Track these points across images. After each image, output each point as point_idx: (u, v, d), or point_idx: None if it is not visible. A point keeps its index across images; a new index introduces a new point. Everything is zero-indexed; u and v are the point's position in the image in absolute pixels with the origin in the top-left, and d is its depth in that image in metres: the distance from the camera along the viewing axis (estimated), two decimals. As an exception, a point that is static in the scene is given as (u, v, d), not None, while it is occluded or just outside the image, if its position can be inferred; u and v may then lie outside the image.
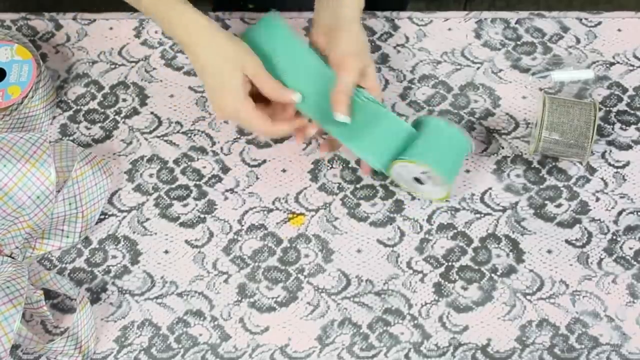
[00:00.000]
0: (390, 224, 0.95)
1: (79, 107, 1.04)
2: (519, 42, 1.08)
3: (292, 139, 1.01)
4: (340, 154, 1.00)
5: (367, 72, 0.92)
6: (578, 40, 1.07)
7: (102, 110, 1.04)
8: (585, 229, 0.95)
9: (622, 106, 1.03)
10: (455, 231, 0.95)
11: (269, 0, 1.15)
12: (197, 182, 0.99)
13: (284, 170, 0.99)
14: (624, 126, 1.01)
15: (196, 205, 0.97)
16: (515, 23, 1.09)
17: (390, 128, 0.92)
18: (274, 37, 0.95)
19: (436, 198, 0.95)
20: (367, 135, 0.91)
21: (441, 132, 0.91)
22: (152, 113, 1.03)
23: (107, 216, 0.97)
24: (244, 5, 1.20)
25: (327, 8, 0.95)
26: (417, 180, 0.92)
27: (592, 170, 0.98)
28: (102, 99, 1.04)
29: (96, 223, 0.96)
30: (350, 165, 0.99)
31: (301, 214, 0.96)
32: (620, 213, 0.96)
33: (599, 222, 0.95)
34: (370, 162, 0.93)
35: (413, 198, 0.97)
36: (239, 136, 1.01)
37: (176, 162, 1.00)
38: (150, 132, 1.02)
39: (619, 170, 0.98)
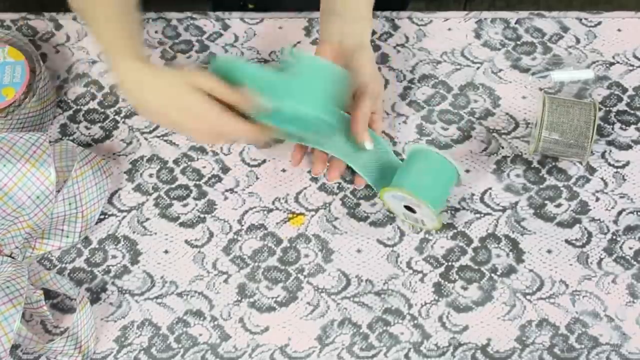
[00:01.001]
0: (390, 224, 0.95)
1: (79, 107, 1.04)
2: (518, 42, 1.08)
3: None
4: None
5: (377, 99, 0.95)
6: (578, 40, 1.07)
7: (102, 110, 1.04)
8: (585, 228, 0.95)
9: (622, 106, 1.03)
10: (455, 231, 0.95)
11: (269, 0, 1.15)
12: (197, 182, 0.99)
13: (284, 170, 0.99)
14: (623, 126, 1.01)
15: (196, 205, 0.97)
16: (515, 23, 1.09)
17: (384, 158, 0.94)
18: (234, 70, 0.88)
19: (430, 227, 0.94)
20: (364, 156, 0.92)
21: (427, 160, 0.91)
22: (152, 113, 1.03)
23: (107, 216, 0.97)
24: (244, 5, 1.20)
25: (337, 26, 0.95)
26: (409, 208, 0.92)
27: (592, 170, 0.98)
28: (102, 98, 1.05)
29: (96, 223, 0.96)
30: (350, 165, 0.99)
31: (301, 214, 0.96)
32: (620, 213, 0.96)
33: (598, 222, 0.95)
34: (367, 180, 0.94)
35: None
36: (238, 136, 1.01)
37: (176, 162, 1.00)
38: (150, 132, 1.02)
39: (618, 170, 0.98)
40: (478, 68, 1.06)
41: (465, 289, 0.91)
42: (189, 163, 1.00)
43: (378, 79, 0.96)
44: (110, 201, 0.97)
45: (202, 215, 0.96)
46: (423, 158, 0.91)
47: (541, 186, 0.97)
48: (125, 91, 0.90)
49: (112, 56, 0.89)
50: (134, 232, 0.96)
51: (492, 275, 0.92)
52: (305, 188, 0.98)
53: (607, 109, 1.03)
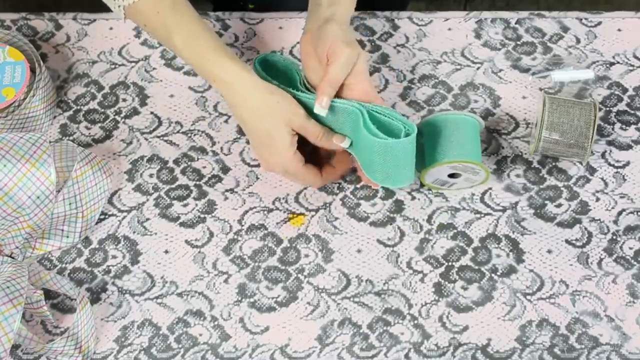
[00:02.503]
0: (390, 224, 0.95)
1: (79, 107, 1.04)
2: (519, 42, 1.08)
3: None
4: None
5: (357, 65, 0.89)
6: (578, 40, 1.07)
7: (102, 110, 1.04)
8: (585, 229, 0.95)
9: (622, 106, 1.03)
10: (455, 231, 0.95)
11: (268, 0, 1.15)
12: (197, 182, 0.99)
13: (284, 170, 0.99)
14: (624, 126, 1.01)
15: (196, 205, 0.97)
16: (515, 23, 1.09)
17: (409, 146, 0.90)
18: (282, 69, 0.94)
19: (478, 183, 0.96)
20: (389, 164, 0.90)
21: (449, 124, 0.93)
22: (152, 113, 1.03)
23: (107, 216, 0.97)
24: (244, 5, 1.20)
25: (313, 14, 0.93)
26: (452, 175, 0.94)
27: (592, 170, 0.98)
28: (102, 99, 1.04)
29: (96, 223, 0.96)
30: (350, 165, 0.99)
31: (301, 214, 0.96)
32: (620, 213, 0.96)
33: (599, 222, 0.95)
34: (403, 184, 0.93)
35: (413, 198, 0.97)
36: (238, 136, 1.01)
37: (176, 162, 1.00)
38: (150, 132, 1.02)
39: (619, 170, 0.98)
40: (478, 68, 1.06)
41: (465, 289, 0.91)
42: (189, 163, 1.00)
43: (349, 46, 0.88)
44: (110, 201, 0.97)
45: (202, 215, 0.96)
46: (442, 125, 0.93)
47: (541, 186, 0.97)
48: (232, 97, 0.90)
49: (217, 60, 0.89)
50: (134, 232, 0.96)
51: (492, 275, 0.92)
52: (305, 188, 0.98)
53: (607, 109, 1.03)
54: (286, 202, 0.97)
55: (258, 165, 0.99)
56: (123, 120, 1.03)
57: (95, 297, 0.92)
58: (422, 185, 0.97)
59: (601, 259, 0.93)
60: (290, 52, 1.07)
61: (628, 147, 1.00)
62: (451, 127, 0.93)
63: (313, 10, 0.93)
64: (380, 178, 0.90)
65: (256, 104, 0.88)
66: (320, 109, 0.88)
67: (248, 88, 0.88)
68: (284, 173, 0.92)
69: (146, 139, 1.02)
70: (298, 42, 1.08)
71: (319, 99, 0.88)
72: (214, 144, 1.01)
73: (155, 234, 0.95)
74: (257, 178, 0.99)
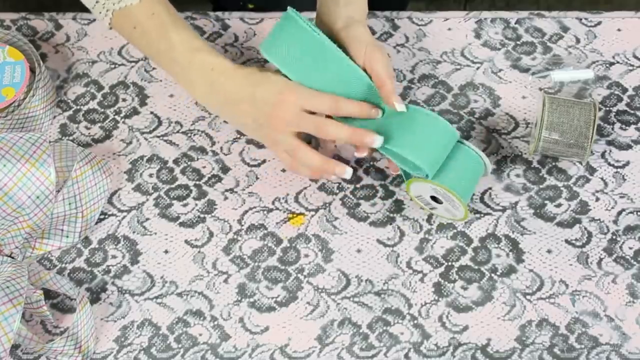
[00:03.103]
0: (390, 224, 0.95)
1: (78, 107, 1.04)
2: (518, 42, 1.08)
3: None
4: (339, 152, 1.00)
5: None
6: (578, 40, 1.07)
7: (102, 110, 1.04)
8: (585, 228, 0.95)
9: (621, 106, 1.03)
10: (455, 231, 0.95)
11: (268, 0, 1.15)
12: (197, 182, 0.99)
13: (283, 170, 0.99)
14: (623, 126, 1.01)
15: (196, 205, 0.97)
16: (515, 23, 1.09)
17: (430, 126, 0.90)
18: (296, 37, 0.91)
19: (456, 218, 0.94)
20: (408, 134, 0.89)
21: (459, 154, 0.90)
22: (152, 113, 1.03)
23: (107, 216, 0.97)
24: (243, 5, 1.20)
25: (330, 10, 0.95)
26: (435, 199, 0.92)
27: (592, 170, 0.98)
28: (102, 98, 1.05)
29: (96, 223, 0.96)
30: (349, 165, 0.99)
31: (301, 213, 0.96)
32: (620, 213, 0.96)
33: (598, 222, 0.95)
34: (411, 158, 0.89)
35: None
36: (238, 136, 1.01)
37: (176, 162, 1.00)
38: (150, 132, 1.02)
39: (618, 170, 0.98)
40: (478, 68, 1.06)
41: (465, 289, 0.92)
42: (188, 163, 1.00)
43: (380, 44, 0.92)
44: (110, 201, 0.97)
45: (202, 215, 0.96)
46: (455, 151, 0.90)
47: (541, 186, 0.97)
48: (210, 86, 0.90)
49: (192, 54, 0.90)
50: (134, 232, 0.96)
51: (492, 275, 0.92)
52: (305, 188, 0.98)
53: (607, 109, 1.03)
54: (286, 202, 0.97)
55: (258, 165, 0.99)
56: (123, 120, 1.03)
57: (95, 297, 0.92)
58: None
59: (601, 259, 0.93)
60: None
61: (628, 147, 1.00)
62: (460, 156, 0.90)
63: (331, 10, 0.95)
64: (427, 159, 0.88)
65: (256, 78, 0.89)
66: (401, 107, 0.89)
67: (247, 70, 0.90)
68: (291, 147, 0.89)
69: (146, 139, 1.02)
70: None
71: (393, 98, 0.89)
72: (213, 144, 1.01)
73: (155, 233, 0.95)
74: (257, 178, 0.99)
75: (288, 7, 0.92)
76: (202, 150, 1.01)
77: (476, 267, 0.93)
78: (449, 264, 0.93)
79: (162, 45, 0.91)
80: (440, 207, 0.93)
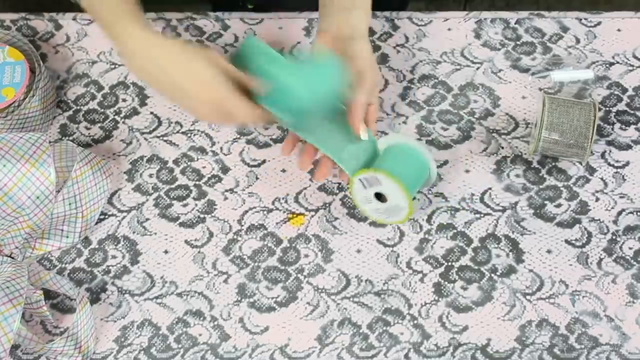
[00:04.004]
0: (390, 224, 0.95)
1: (78, 107, 1.04)
2: (518, 42, 1.08)
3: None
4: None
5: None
6: (578, 40, 1.07)
7: (102, 110, 1.04)
8: (585, 229, 0.95)
9: (621, 106, 1.03)
10: (455, 231, 0.95)
11: (268, 0, 1.16)
12: (197, 182, 0.99)
13: (283, 170, 0.99)
14: (623, 126, 1.01)
15: (196, 205, 0.97)
16: (515, 23, 1.09)
17: (370, 152, 0.91)
18: (257, 57, 0.91)
19: (396, 219, 0.93)
20: (342, 144, 0.90)
21: (404, 150, 0.91)
22: (151, 113, 1.03)
23: (106, 216, 0.97)
24: (243, 6, 1.20)
25: (333, 15, 0.94)
26: (379, 197, 0.91)
27: (591, 170, 0.98)
28: (102, 99, 1.05)
29: (96, 223, 0.96)
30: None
31: (301, 214, 0.96)
32: (620, 213, 0.96)
33: (598, 222, 0.95)
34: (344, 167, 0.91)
35: (413, 198, 0.97)
36: (238, 136, 1.01)
37: (176, 162, 1.00)
38: (150, 132, 1.02)
39: (618, 170, 0.98)
40: (478, 68, 1.06)
41: (465, 289, 0.92)
42: (188, 163, 1.00)
43: (375, 69, 0.94)
44: (110, 201, 0.97)
45: (202, 216, 0.96)
46: (400, 149, 0.91)
47: (541, 186, 0.97)
48: (129, 55, 0.86)
49: (116, 24, 0.86)
50: (133, 232, 0.96)
51: (492, 275, 0.92)
52: (305, 188, 0.98)
53: (607, 109, 1.03)
54: (286, 202, 0.97)
55: (258, 165, 0.99)
56: (123, 120, 1.03)
57: (95, 297, 0.92)
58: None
59: (601, 259, 0.93)
60: (290, 52, 1.07)
61: (628, 147, 1.00)
62: (405, 153, 0.90)
63: (328, 10, 0.95)
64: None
65: (166, 46, 0.85)
66: (364, 135, 0.90)
67: (153, 39, 0.86)
68: (225, 107, 0.84)
69: (146, 139, 1.02)
70: (298, 42, 1.08)
71: (359, 129, 0.89)
72: (213, 144, 1.01)
73: (155, 234, 0.95)
74: (257, 178, 0.99)
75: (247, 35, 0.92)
76: (202, 150, 1.01)
77: (476, 267, 0.93)
78: (449, 264, 0.93)
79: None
80: (381, 207, 0.92)
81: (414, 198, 0.95)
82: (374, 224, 0.95)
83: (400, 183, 0.87)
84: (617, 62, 1.06)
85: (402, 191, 0.88)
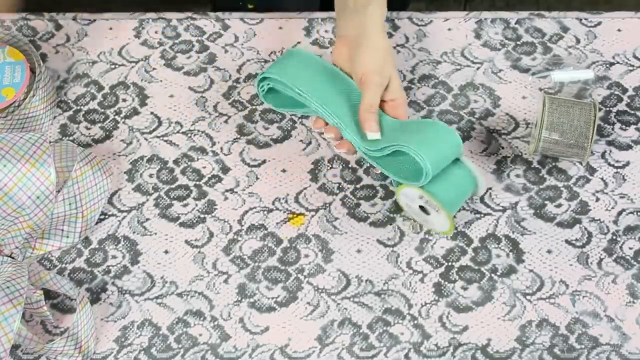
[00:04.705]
0: (390, 224, 0.95)
1: (79, 107, 1.04)
2: (518, 42, 1.08)
3: (292, 139, 1.01)
4: (339, 153, 1.00)
5: (390, 85, 0.93)
6: (578, 41, 1.07)
7: (102, 110, 1.04)
8: (585, 229, 0.95)
9: (622, 106, 1.03)
10: (455, 231, 0.95)
11: (268, 0, 1.16)
12: (197, 182, 0.99)
13: (283, 170, 0.99)
14: (623, 126, 1.01)
15: (196, 205, 0.97)
16: (515, 23, 1.09)
17: (437, 132, 0.91)
18: (305, 61, 0.97)
19: (441, 231, 0.94)
20: (415, 136, 0.90)
21: (453, 166, 0.90)
22: (152, 113, 1.03)
23: (107, 216, 0.97)
24: (243, 6, 1.20)
25: (349, 19, 0.95)
26: (423, 209, 0.92)
27: (592, 170, 0.98)
28: (102, 99, 1.05)
29: (96, 223, 0.96)
30: (350, 165, 0.99)
31: (301, 214, 0.96)
32: (620, 213, 0.96)
33: (598, 222, 0.95)
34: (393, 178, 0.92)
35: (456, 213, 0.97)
36: (238, 136, 1.01)
37: (176, 162, 1.00)
38: (150, 132, 1.02)
39: (618, 170, 0.98)
40: (478, 68, 1.06)
41: (465, 289, 0.92)
42: (189, 163, 1.00)
43: (384, 68, 0.93)
44: (110, 201, 0.97)
45: (202, 216, 0.96)
46: (452, 165, 0.90)
47: (541, 186, 0.97)
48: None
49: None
50: (134, 232, 0.96)
51: (492, 275, 0.92)
52: (305, 188, 0.98)
53: (607, 109, 1.03)
54: (286, 202, 0.97)
55: (258, 166, 0.99)
56: (123, 120, 1.03)
57: (95, 297, 0.92)
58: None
59: (601, 259, 0.93)
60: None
61: (628, 147, 1.00)
62: (453, 169, 0.90)
63: (339, 15, 0.97)
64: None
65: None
66: (373, 135, 0.91)
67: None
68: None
69: (146, 139, 1.02)
70: (298, 42, 1.08)
71: (364, 128, 0.91)
72: (213, 144, 1.01)
73: (155, 234, 0.95)
74: (257, 178, 0.99)
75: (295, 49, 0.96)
76: (202, 150, 1.01)
77: (476, 268, 0.93)
78: (449, 264, 0.93)
79: None
80: (429, 218, 0.92)
81: (457, 213, 0.96)
82: (374, 224, 0.95)
83: (445, 210, 0.88)
84: (618, 62, 1.06)
85: (446, 216, 0.89)
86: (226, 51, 1.08)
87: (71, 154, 0.96)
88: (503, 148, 1.00)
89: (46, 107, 1.01)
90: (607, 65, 1.05)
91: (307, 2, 1.06)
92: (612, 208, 0.96)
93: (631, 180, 0.98)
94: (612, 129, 1.01)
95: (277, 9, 1.11)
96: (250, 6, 1.20)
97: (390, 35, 1.08)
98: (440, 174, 0.89)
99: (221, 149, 1.01)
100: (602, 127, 1.01)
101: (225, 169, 0.99)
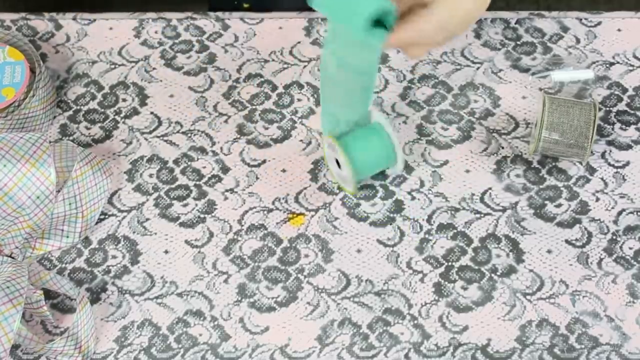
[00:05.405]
0: (390, 224, 0.95)
1: (79, 107, 1.04)
2: (518, 42, 1.08)
3: (292, 139, 1.01)
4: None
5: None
6: (578, 40, 1.07)
7: (102, 110, 1.04)
8: (585, 229, 0.95)
9: (622, 106, 1.03)
10: (455, 231, 0.95)
11: (264, 0, 1.15)
12: (197, 182, 0.99)
13: (283, 170, 0.99)
14: (623, 126, 1.01)
15: (196, 205, 0.97)
16: (515, 23, 1.09)
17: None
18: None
19: (348, 190, 0.96)
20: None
21: (378, 136, 0.93)
22: (152, 113, 1.03)
23: (107, 216, 0.97)
24: (238, 5, 1.19)
25: None
26: (337, 163, 0.94)
27: (592, 170, 0.98)
28: (102, 99, 1.05)
29: (96, 223, 0.96)
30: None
31: (301, 214, 0.96)
32: (620, 213, 0.96)
33: (598, 222, 0.95)
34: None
35: (413, 198, 0.97)
36: (238, 136, 1.01)
37: (176, 162, 1.00)
38: (150, 132, 1.02)
39: (618, 170, 0.98)
40: (478, 68, 1.06)
41: (465, 289, 0.92)
42: (189, 163, 1.00)
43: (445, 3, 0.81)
44: (110, 201, 0.97)
45: (202, 216, 0.96)
46: (376, 135, 0.93)
47: (541, 186, 0.97)
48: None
49: None
50: (134, 232, 0.96)
51: (492, 275, 0.92)
52: (305, 188, 0.98)
53: (607, 109, 1.03)
54: (286, 202, 0.97)
55: (258, 165, 0.99)
56: (123, 120, 1.03)
57: (95, 297, 0.92)
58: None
59: (601, 259, 0.93)
60: (290, 52, 1.07)
61: (628, 147, 1.00)
62: (377, 141, 0.93)
63: None
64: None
65: None
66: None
67: None
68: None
69: (146, 139, 1.02)
70: (298, 42, 1.08)
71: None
72: (213, 144, 1.01)
73: (155, 234, 0.95)
74: (257, 178, 0.99)
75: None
76: (202, 150, 1.01)
77: (476, 267, 0.93)
78: (449, 264, 0.93)
79: None
80: (341, 173, 0.95)
81: (366, 179, 0.97)
82: (374, 224, 0.95)
83: (350, 160, 0.91)
84: (618, 62, 1.06)
85: (350, 169, 0.92)
86: (226, 51, 1.08)
87: (71, 154, 0.96)
88: (503, 148, 1.00)
89: (46, 107, 1.01)
90: (607, 65, 1.05)
91: (305, 2, 1.06)
92: (612, 208, 0.96)
93: (631, 180, 0.98)
94: (612, 129, 1.01)
95: (273, 9, 1.11)
96: (245, 5, 1.20)
97: (390, 35, 1.08)
98: (361, 137, 0.92)
99: (221, 148, 1.01)
100: (602, 127, 1.01)
101: (225, 169, 0.99)
